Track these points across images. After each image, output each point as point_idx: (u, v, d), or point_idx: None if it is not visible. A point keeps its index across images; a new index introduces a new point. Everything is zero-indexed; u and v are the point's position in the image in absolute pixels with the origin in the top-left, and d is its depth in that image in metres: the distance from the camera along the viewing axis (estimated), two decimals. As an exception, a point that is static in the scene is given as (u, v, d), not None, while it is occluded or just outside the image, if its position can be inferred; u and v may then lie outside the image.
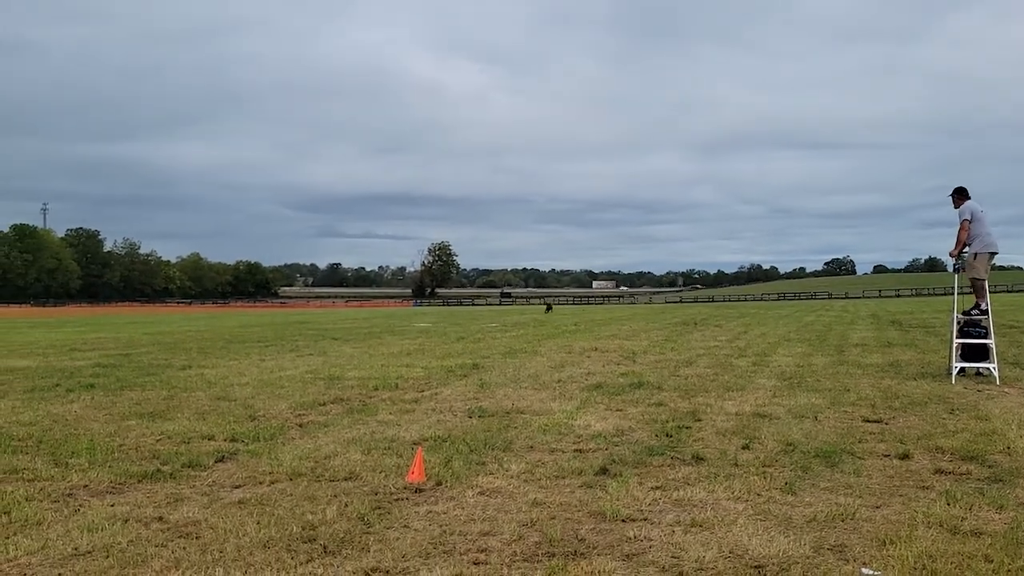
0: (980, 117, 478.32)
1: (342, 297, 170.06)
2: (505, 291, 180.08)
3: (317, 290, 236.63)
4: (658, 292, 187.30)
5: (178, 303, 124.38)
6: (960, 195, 11.05)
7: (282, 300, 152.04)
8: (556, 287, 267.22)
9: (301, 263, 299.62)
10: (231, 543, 4.30)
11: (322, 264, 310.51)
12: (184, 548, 4.25)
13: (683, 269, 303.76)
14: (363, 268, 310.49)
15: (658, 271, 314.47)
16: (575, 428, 7.47)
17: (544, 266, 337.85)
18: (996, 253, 10.92)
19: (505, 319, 35.01)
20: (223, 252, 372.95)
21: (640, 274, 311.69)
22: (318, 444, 6.87)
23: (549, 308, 47.70)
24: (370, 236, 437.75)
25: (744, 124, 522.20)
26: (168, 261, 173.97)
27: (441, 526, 4.60)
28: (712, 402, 8.89)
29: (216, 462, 6.24)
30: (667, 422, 7.70)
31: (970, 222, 10.74)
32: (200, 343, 20.15)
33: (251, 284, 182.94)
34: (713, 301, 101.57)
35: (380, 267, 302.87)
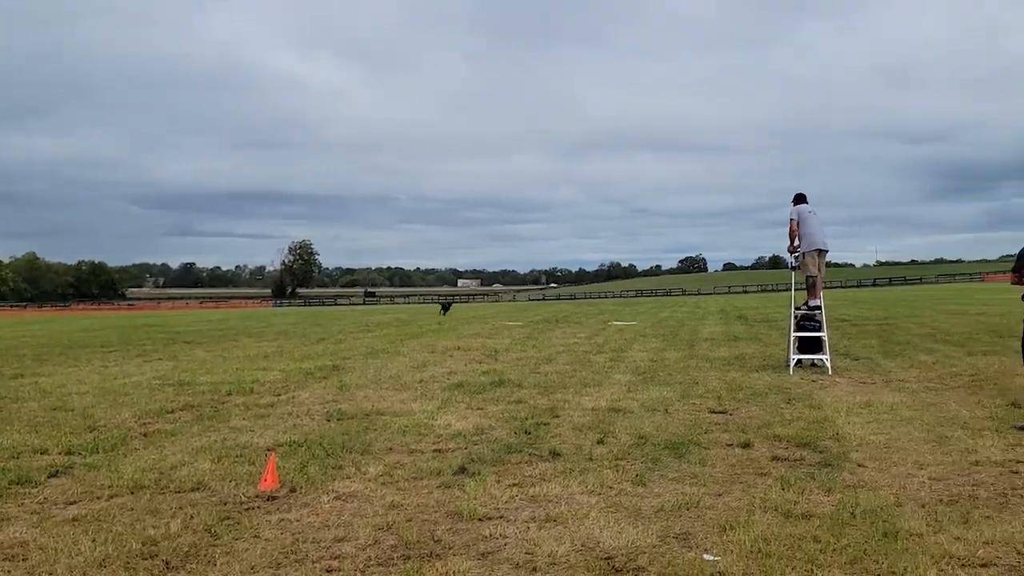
0: (821, 123, 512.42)
1: (196, 298, 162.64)
2: (369, 291, 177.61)
3: (169, 291, 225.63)
4: (522, 290, 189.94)
5: (11, 307, 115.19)
6: (796, 200, 11.93)
7: (130, 302, 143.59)
8: (421, 286, 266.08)
9: (151, 263, 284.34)
10: (62, 563, 4.03)
11: (175, 264, 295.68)
12: (9, 572, 3.95)
13: (546, 267, 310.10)
14: (219, 268, 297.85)
15: (522, 269, 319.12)
16: (435, 428, 7.46)
17: (409, 265, 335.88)
18: (824, 251, 11.78)
19: (379, 319, 34.53)
20: (65, 252, 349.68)
21: (504, 272, 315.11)
22: (164, 454, 6.55)
23: (447, 308, 38.31)
24: (227, 235, 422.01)
25: (605, 125, 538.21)
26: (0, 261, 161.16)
27: (294, 534, 4.48)
28: (570, 398, 9.09)
29: (49, 477, 5.84)
30: (526, 419, 7.81)
31: (796, 223, 11.59)
32: (35, 349, 18.80)
33: (95, 285, 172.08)
34: (574, 299, 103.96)
35: (238, 267, 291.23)
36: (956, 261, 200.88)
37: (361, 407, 8.74)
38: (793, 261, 12.10)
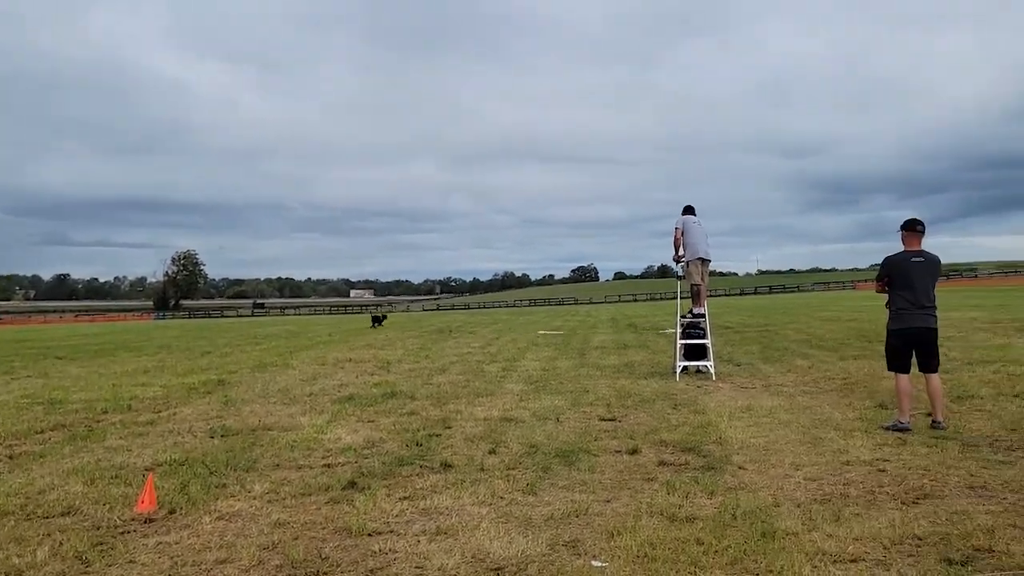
0: (706, 137, 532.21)
1: (71, 311, 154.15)
2: (258, 302, 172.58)
3: (41, 304, 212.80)
4: (416, 300, 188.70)
5: None
6: (684, 211, 12.29)
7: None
8: (313, 297, 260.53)
9: (21, 274, 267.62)
10: (-88, 601, 3.73)
11: (47, 275, 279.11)
12: None
13: (441, 277, 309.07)
14: (96, 279, 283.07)
15: (416, 279, 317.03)
16: (324, 442, 7.30)
17: (300, 275, 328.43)
18: (707, 260, 12.18)
19: (268, 331, 33.52)
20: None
21: (399, 282, 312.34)
22: (32, 477, 6.17)
23: (379, 321, 32.82)
24: (105, 244, 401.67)
25: (499, 136, 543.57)
26: None
27: (172, 558, 4.29)
28: (463, 408, 9.08)
29: (-101, 507, 5.40)
30: (418, 431, 7.76)
31: (681, 232, 11.97)
32: None
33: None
34: (469, 308, 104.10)
35: (116, 278, 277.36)
36: (831, 270, 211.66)
37: (247, 422, 8.47)
38: (679, 270, 12.49)
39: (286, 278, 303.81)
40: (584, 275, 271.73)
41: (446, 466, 6.25)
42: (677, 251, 12.10)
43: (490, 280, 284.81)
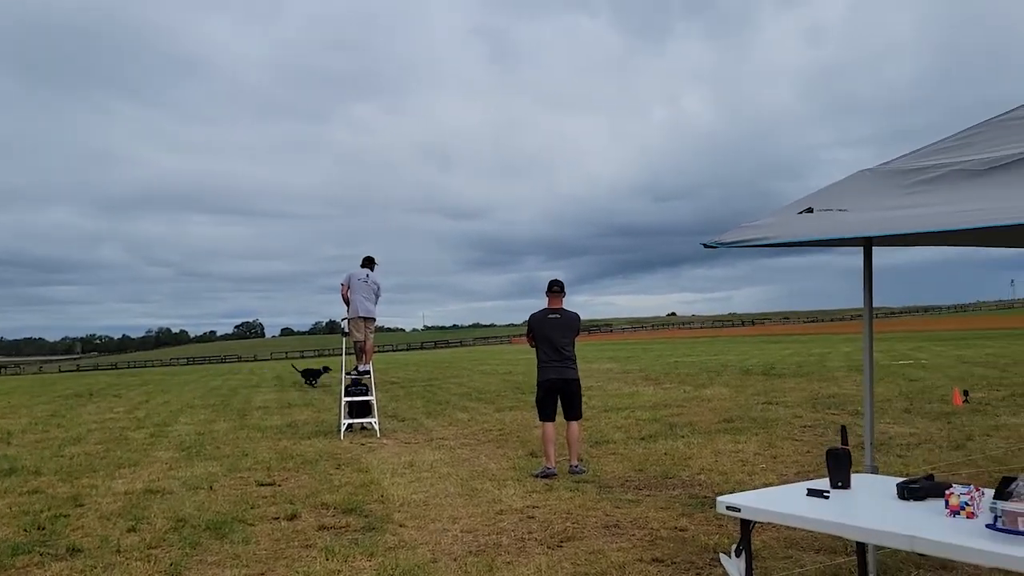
0: (376, 195, 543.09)
1: None
2: None
3: None
4: (51, 360, 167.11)
5: None
6: (363, 263, 12.19)
7: None
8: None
9: None
10: None
11: None
12: None
13: (82, 334, 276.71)
14: None
15: (52, 337, 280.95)
16: (-88, 536, 6.05)
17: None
18: (370, 318, 12.18)
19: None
20: None
21: (29, 340, 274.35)
22: None
23: (314, 377, 24.12)
24: None
25: (156, 184, 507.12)
26: None
27: None
28: (99, 483, 8.09)
29: None
30: (41, 512, 6.75)
31: (347, 288, 11.95)
32: None
33: None
34: (116, 368, 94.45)
35: None
36: (490, 325, 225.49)
37: None
38: (345, 327, 12.41)
39: None
40: (249, 331, 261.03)
41: (73, 551, 5.49)
42: (347, 307, 12.03)
43: (142, 337, 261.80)
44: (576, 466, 7.79)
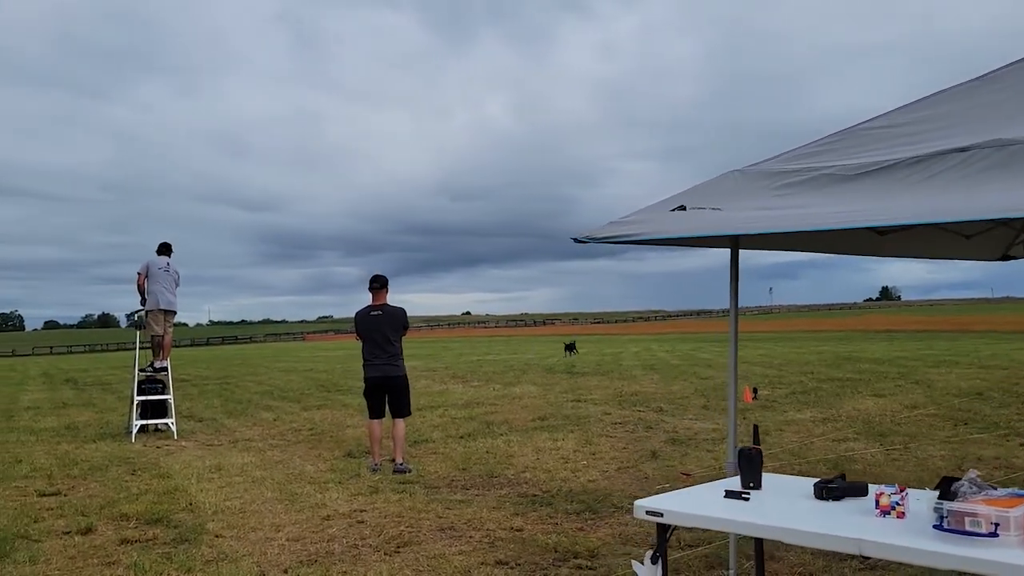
0: (159, 181, 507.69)
1: None
2: None
3: None
4: None
5: None
6: (159, 250, 11.04)
7: None
8: None
9: None
10: None
11: None
12: None
13: None
14: None
15: None
16: None
17: None
18: (171, 311, 11.13)
19: None
20: None
21: None
22: None
23: (572, 349, 28.08)
24: None
25: None
26: None
27: None
28: None
29: None
30: None
31: (144, 278, 10.82)
32: None
33: None
34: None
35: None
36: (281, 321, 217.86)
37: None
38: (135, 318, 11.33)
39: None
40: (7, 323, 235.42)
41: None
42: (142, 297, 10.90)
43: None
44: (401, 464, 7.57)
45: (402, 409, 7.84)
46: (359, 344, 8.04)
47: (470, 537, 5.30)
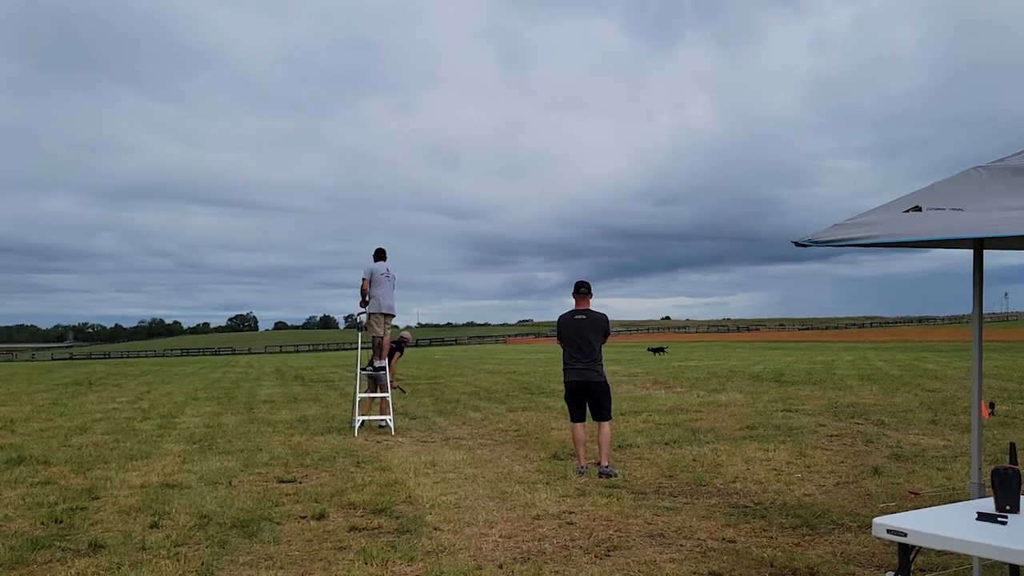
0: (375, 192, 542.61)
1: None
2: None
3: None
4: (43, 348, 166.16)
5: None
6: (375, 256, 11.79)
7: None
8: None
9: None
10: None
11: None
12: None
13: (75, 323, 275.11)
14: None
15: (44, 324, 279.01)
16: (-75, 526, 5.81)
17: None
18: (391, 315, 11.84)
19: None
20: None
21: (21, 327, 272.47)
22: None
23: (659, 351, 33.48)
24: None
25: (156, 174, 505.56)
26: None
27: None
28: (113, 475, 7.86)
29: None
30: (56, 504, 6.52)
31: (368, 283, 11.55)
32: None
33: None
34: (109, 357, 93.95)
35: None
36: (484, 324, 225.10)
37: None
38: (358, 321, 12.12)
39: None
40: (243, 324, 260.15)
41: (96, 547, 5.26)
42: (364, 301, 11.66)
43: (135, 327, 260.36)
44: (607, 468, 7.60)
45: (603, 413, 7.86)
46: (559, 348, 8.16)
47: (680, 545, 5.22)
